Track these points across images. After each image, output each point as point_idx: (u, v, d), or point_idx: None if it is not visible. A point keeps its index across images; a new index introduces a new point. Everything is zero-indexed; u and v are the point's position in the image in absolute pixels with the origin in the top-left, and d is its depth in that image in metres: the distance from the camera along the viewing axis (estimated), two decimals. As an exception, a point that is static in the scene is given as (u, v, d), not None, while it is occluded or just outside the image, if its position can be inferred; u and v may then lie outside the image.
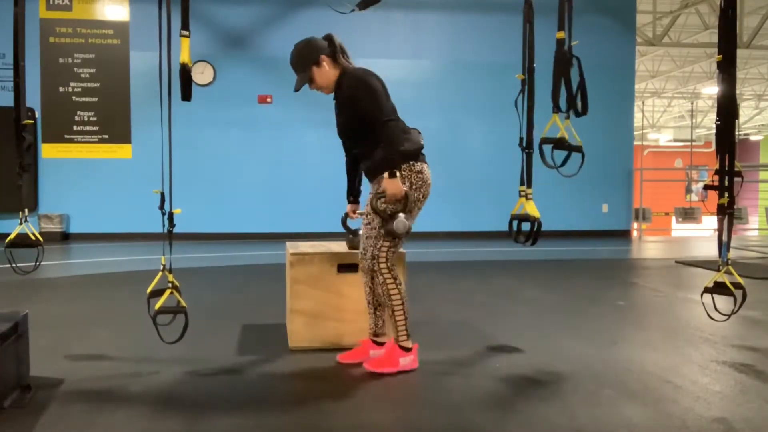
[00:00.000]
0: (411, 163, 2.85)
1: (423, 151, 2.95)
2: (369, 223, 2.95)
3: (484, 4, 9.90)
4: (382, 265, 2.87)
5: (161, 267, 2.79)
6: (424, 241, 9.13)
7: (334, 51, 2.95)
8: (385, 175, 2.77)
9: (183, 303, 2.75)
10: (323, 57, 2.92)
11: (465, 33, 9.95)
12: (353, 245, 3.28)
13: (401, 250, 3.35)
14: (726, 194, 3.27)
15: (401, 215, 2.77)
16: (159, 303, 2.71)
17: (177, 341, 2.76)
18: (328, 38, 2.97)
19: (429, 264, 6.75)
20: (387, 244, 2.87)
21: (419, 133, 2.94)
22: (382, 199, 2.79)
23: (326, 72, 2.94)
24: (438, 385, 2.71)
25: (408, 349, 2.91)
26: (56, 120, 9.23)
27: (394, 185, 2.77)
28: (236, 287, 5.34)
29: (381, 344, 3.05)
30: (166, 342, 2.75)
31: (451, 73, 9.96)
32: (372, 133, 2.84)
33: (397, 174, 2.77)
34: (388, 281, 2.87)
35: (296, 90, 2.97)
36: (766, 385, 2.72)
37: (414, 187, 2.85)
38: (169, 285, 2.76)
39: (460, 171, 9.96)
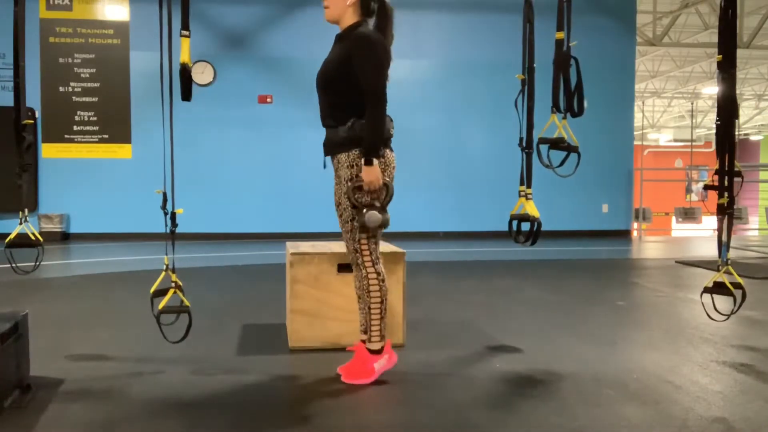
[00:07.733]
0: None
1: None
2: (341, 215, 2.75)
3: (484, 4, 9.89)
4: (366, 259, 2.70)
5: (164, 267, 2.79)
6: (424, 241, 9.13)
7: (368, 4, 2.68)
8: (362, 161, 2.57)
9: (186, 302, 2.74)
10: None
11: (465, 33, 9.94)
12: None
13: (400, 249, 3.35)
14: (726, 194, 3.27)
15: (373, 208, 2.58)
16: (162, 302, 2.71)
17: (181, 340, 2.76)
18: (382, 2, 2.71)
19: (429, 264, 6.74)
20: (365, 235, 2.68)
21: (391, 120, 2.70)
22: (360, 191, 2.59)
23: (343, 3, 2.67)
24: (438, 385, 2.71)
25: (379, 351, 2.73)
26: (56, 120, 9.23)
27: (371, 173, 2.56)
28: (236, 287, 5.34)
29: None
30: (170, 341, 2.75)
31: (451, 73, 9.95)
32: (340, 99, 2.65)
33: (375, 162, 2.57)
34: (371, 276, 2.70)
35: None
36: (766, 385, 2.72)
37: None
38: (173, 285, 2.76)
39: (460, 171, 9.96)
